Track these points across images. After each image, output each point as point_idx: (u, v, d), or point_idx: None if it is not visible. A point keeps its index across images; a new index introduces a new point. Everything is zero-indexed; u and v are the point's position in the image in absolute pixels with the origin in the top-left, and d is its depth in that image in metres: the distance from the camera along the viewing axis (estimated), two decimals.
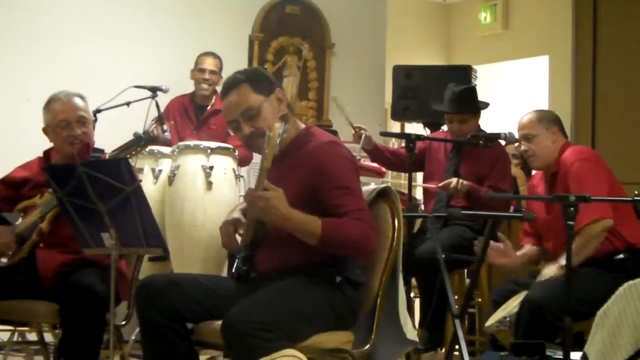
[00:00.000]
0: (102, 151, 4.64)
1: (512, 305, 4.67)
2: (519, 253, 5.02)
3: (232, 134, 6.74)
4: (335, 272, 3.68)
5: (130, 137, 4.50)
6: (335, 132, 6.05)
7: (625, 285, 2.78)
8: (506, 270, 5.86)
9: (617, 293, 2.78)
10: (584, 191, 4.40)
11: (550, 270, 4.63)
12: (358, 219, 3.56)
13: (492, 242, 4.78)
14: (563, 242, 4.41)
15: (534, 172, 5.31)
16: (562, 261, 4.59)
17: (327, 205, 3.61)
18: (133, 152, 4.35)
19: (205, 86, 7.05)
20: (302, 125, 3.93)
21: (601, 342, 2.74)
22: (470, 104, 6.02)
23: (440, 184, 5.80)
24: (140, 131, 4.60)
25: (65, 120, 4.56)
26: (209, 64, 7.09)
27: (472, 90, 6.14)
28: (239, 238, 3.85)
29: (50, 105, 4.63)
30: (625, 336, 2.69)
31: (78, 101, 4.62)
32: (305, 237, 3.55)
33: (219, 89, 6.95)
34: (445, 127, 6.54)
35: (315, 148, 3.71)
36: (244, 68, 3.93)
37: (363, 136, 5.95)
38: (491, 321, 4.69)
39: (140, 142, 4.29)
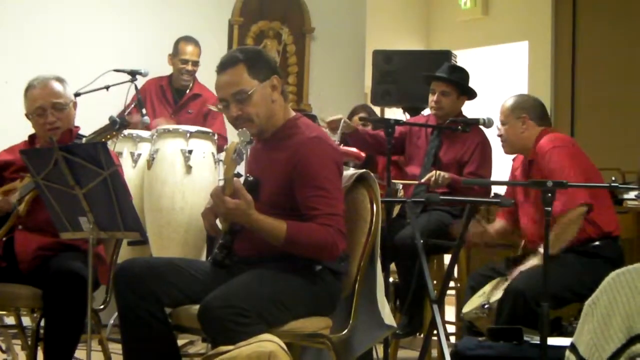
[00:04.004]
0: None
1: (488, 291, 4.69)
2: (490, 227, 5.09)
3: (209, 120, 6.79)
4: (315, 261, 3.68)
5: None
6: (314, 117, 6.03)
7: (613, 273, 2.77)
8: (485, 256, 5.89)
9: (605, 282, 2.77)
10: (560, 178, 4.44)
11: (532, 261, 4.67)
12: (326, 225, 3.57)
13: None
14: (539, 226, 4.46)
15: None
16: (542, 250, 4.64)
17: (300, 204, 3.63)
18: (108, 136, 4.32)
19: (187, 77, 7.03)
20: (292, 114, 3.91)
21: (592, 332, 2.72)
22: (460, 79, 6.03)
23: (422, 180, 5.80)
24: (120, 115, 4.58)
25: (40, 107, 4.53)
26: (192, 53, 7.04)
27: (466, 73, 6.14)
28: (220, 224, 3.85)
29: (27, 92, 4.60)
30: (616, 325, 2.68)
31: (54, 86, 4.57)
32: (268, 240, 3.59)
33: (197, 75, 7.00)
34: (425, 112, 6.53)
35: (299, 143, 3.70)
36: (245, 46, 3.89)
37: (341, 122, 5.92)
38: (469, 307, 4.72)
39: (115, 125, 4.26)
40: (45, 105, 4.52)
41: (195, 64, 7.05)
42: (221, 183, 3.61)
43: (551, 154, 4.72)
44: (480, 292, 4.75)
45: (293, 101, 8.13)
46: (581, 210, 4.63)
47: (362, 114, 6.78)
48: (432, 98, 6.02)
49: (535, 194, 4.70)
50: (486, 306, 4.57)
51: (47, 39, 7.08)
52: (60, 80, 4.62)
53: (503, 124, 4.97)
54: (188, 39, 7.09)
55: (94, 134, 4.36)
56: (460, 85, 6.00)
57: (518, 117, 4.91)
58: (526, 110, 4.93)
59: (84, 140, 4.42)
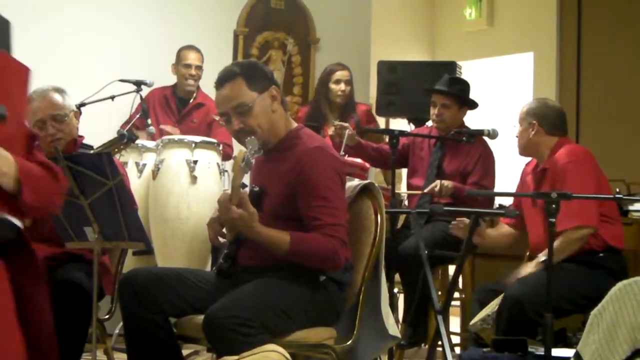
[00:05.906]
0: (91, 147, 4.62)
1: (495, 304, 4.69)
2: (491, 230, 5.09)
3: (214, 129, 6.79)
4: (320, 271, 3.69)
5: (114, 132, 4.50)
6: (317, 128, 6.05)
7: (620, 284, 2.78)
8: (490, 267, 5.88)
9: (612, 292, 2.78)
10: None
11: (527, 268, 4.68)
12: (329, 235, 3.58)
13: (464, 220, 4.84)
14: (542, 235, 4.46)
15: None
16: (541, 257, 4.63)
17: (303, 214, 3.64)
18: (116, 150, 4.36)
19: (192, 82, 7.02)
20: (294, 125, 3.92)
21: (597, 343, 2.74)
22: (460, 91, 6.03)
23: (426, 190, 5.81)
24: (125, 125, 4.61)
25: (40, 120, 4.53)
26: (194, 59, 7.05)
27: (467, 84, 6.14)
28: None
29: (29, 105, 4.61)
30: (621, 336, 2.69)
31: (53, 97, 4.57)
32: (272, 250, 3.59)
33: (202, 85, 7.01)
34: (429, 123, 6.54)
35: (301, 153, 3.71)
36: (241, 61, 3.90)
37: (346, 134, 5.95)
38: (475, 320, 4.71)
39: (123, 139, 4.29)
40: (45, 117, 4.53)
41: (199, 68, 7.04)
42: (229, 191, 3.61)
43: (566, 170, 4.71)
44: (489, 305, 4.75)
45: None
46: (589, 231, 4.63)
47: (343, 75, 6.88)
48: (433, 111, 6.03)
49: (542, 203, 4.70)
50: (490, 317, 4.57)
51: (52, 48, 7.07)
52: (59, 90, 4.62)
53: (520, 125, 4.98)
54: (189, 46, 7.10)
55: (102, 147, 4.38)
56: (460, 97, 6.01)
57: (529, 123, 4.92)
58: (537, 117, 4.92)
59: (92, 152, 4.43)
